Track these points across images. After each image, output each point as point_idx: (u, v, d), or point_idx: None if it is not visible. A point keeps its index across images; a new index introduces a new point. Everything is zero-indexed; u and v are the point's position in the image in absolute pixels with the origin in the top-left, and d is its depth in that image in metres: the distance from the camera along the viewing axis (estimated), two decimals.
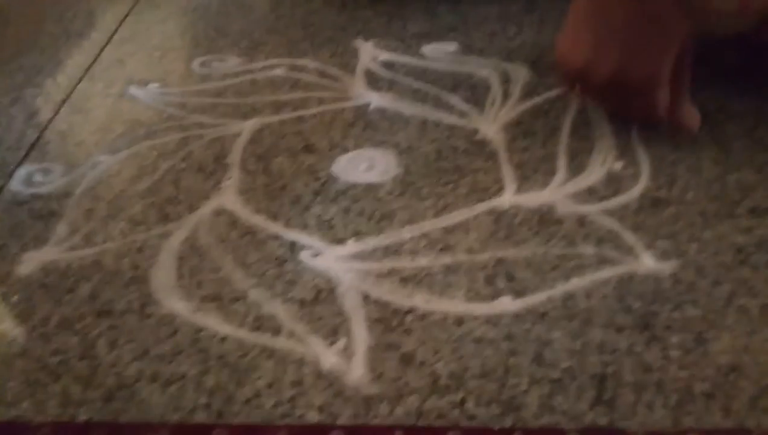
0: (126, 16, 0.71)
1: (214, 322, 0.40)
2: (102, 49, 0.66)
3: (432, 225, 0.44)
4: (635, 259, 0.41)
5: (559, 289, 0.40)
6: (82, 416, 0.36)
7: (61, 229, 0.47)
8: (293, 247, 0.44)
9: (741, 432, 0.33)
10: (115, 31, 0.69)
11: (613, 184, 0.46)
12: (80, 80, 0.62)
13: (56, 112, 0.58)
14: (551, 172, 0.47)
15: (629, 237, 0.42)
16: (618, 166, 0.47)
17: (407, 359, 0.37)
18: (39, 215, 0.48)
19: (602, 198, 0.45)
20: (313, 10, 0.69)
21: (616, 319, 0.38)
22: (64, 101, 0.59)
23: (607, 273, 0.40)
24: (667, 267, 0.40)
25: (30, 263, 0.44)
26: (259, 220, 0.46)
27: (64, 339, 0.40)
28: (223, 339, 0.39)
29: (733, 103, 0.51)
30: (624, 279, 0.40)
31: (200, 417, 0.35)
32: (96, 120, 0.57)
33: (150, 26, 0.69)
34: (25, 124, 0.57)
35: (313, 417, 0.35)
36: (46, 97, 0.60)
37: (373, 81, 0.58)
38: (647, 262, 0.41)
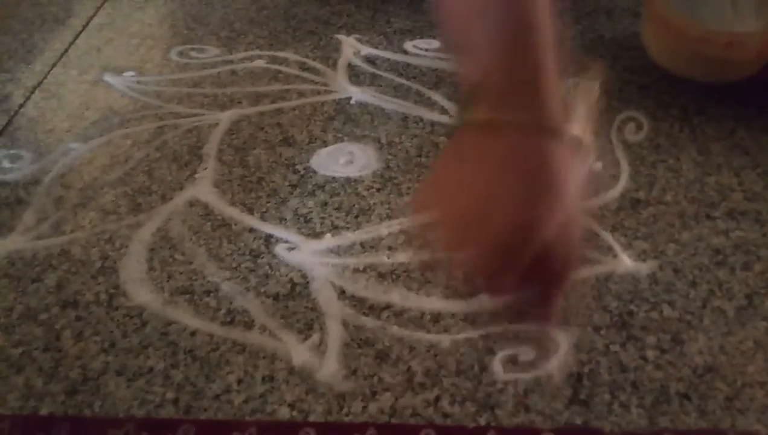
0: (104, 2, 0.70)
1: (185, 316, 0.39)
2: (78, 36, 0.64)
3: (411, 221, 0.44)
4: (614, 258, 0.41)
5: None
6: (45, 409, 0.34)
7: (28, 217, 0.45)
8: (269, 241, 0.43)
9: (716, 433, 0.32)
10: (93, 17, 0.67)
11: (593, 184, 0.46)
12: (54, 66, 0.60)
13: (27, 98, 0.56)
14: None
15: (608, 237, 0.42)
16: (598, 166, 0.47)
17: (382, 356, 0.36)
18: (5, 203, 0.46)
19: (582, 198, 0.45)
20: (296, 2, 0.68)
21: (594, 319, 0.38)
22: (36, 87, 0.58)
23: (585, 272, 0.40)
24: (645, 267, 0.40)
25: None
26: (234, 213, 0.45)
27: (27, 330, 0.38)
28: (193, 333, 0.38)
29: (712, 106, 0.51)
30: (602, 278, 0.40)
31: (167, 412, 0.34)
32: (69, 107, 0.55)
33: (128, 13, 0.68)
34: None
35: (284, 413, 0.34)
36: (17, 82, 0.58)
37: (355, 75, 0.57)
38: (625, 262, 0.40)
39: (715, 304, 0.38)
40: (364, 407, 0.34)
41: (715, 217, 0.43)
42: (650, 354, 0.36)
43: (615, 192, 0.45)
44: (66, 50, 0.62)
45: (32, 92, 0.57)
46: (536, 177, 0.31)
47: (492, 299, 0.34)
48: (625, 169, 0.47)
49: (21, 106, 0.56)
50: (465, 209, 0.32)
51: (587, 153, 0.33)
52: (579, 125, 0.33)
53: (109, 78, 0.58)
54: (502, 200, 0.31)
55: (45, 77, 0.59)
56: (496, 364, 0.35)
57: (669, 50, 0.51)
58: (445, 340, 0.37)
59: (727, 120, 0.50)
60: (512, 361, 0.35)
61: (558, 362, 0.36)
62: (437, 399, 0.34)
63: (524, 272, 0.31)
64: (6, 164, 0.50)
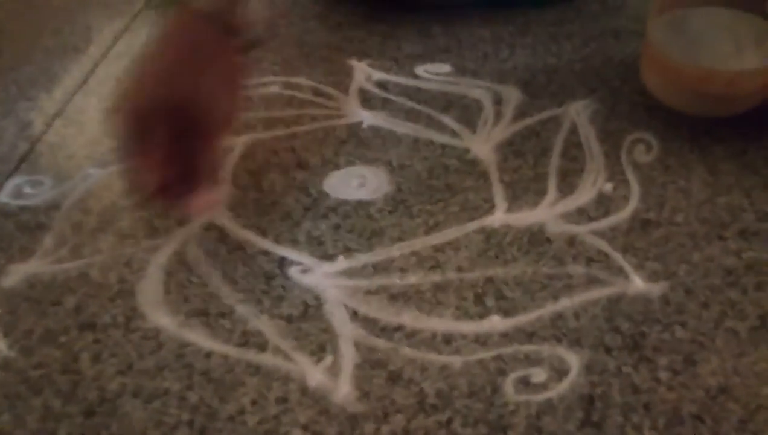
0: (123, 31, 0.72)
1: (200, 338, 0.39)
2: (97, 64, 0.66)
3: (422, 243, 0.44)
4: (625, 279, 0.41)
5: (549, 308, 0.39)
6: (63, 431, 0.35)
7: (48, 241, 0.46)
8: (282, 263, 0.44)
9: None
10: (112, 46, 0.69)
11: (604, 205, 0.46)
12: (74, 94, 0.62)
13: (49, 126, 0.58)
14: (542, 192, 0.48)
15: (619, 258, 0.42)
16: (608, 187, 0.47)
17: (394, 377, 0.36)
18: (26, 227, 0.48)
19: (592, 218, 0.45)
20: (308, 29, 0.69)
21: (605, 340, 0.38)
22: (57, 115, 0.59)
23: (596, 293, 0.40)
24: (657, 288, 0.40)
25: (15, 275, 0.44)
26: (248, 236, 0.46)
27: (46, 352, 0.39)
28: (209, 354, 0.38)
29: (722, 127, 0.51)
30: (613, 300, 0.40)
31: (183, 433, 0.34)
32: (88, 133, 0.57)
33: (146, 42, 0.70)
34: (17, 136, 0.57)
35: None
36: (39, 110, 0.60)
37: (367, 100, 0.58)
38: (637, 283, 0.41)
39: (727, 325, 0.38)
40: (377, 429, 0.34)
41: (727, 238, 0.43)
42: (663, 375, 0.36)
43: (625, 213, 0.45)
44: (86, 79, 0.64)
45: (53, 120, 0.59)
46: (189, 57, 0.41)
47: (143, 170, 0.41)
48: (635, 190, 0.47)
49: (42, 133, 0.57)
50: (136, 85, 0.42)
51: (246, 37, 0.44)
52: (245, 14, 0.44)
53: None
54: (158, 74, 0.41)
55: (66, 105, 0.61)
56: (508, 386, 0.36)
57: (670, 89, 0.51)
58: (456, 361, 0.37)
59: (737, 140, 0.51)
60: (524, 383, 0.36)
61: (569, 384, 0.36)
62: (449, 421, 0.34)
63: (172, 142, 0.40)
64: (28, 190, 0.51)
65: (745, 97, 0.49)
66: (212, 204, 0.43)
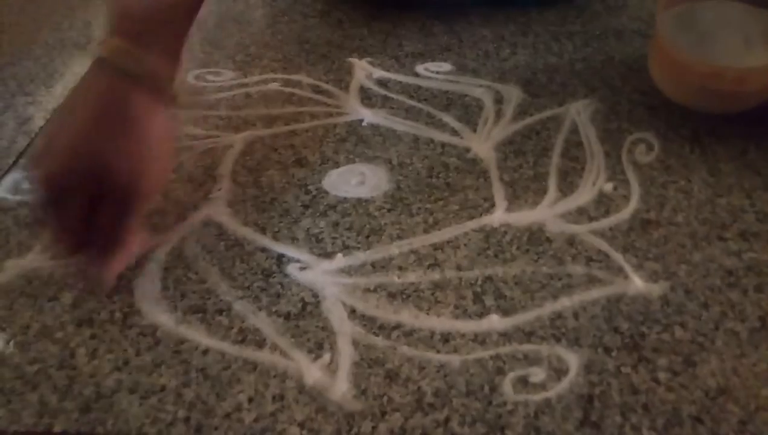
0: None
1: (197, 334, 0.39)
2: None
3: (421, 241, 0.44)
4: (625, 279, 0.41)
5: (548, 308, 0.39)
6: (58, 427, 0.35)
7: (46, 236, 0.46)
8: (281, 260, 0.43)
9: None
10: None
11: (604, 204, 0.46)
12: None
13: (48, 121, 0.58)
14: (542, 192, 0.47)
15: (619, 258, 0.42)
16: (609, 187, 0.47)
17: (392, 376, 0.36)
18: (24, 223, 0.47)
19: (592, 218, 0.45)
20: (309, 26, 0.69)
21: (605, 340, 0.37)
22: (56, 110, 0.59)
23: (596, 293, 0.40)
24: (657, 288, 0.40)
25: (12, 271, 0.44)
26: (247, 232, 0.46)
27: (43, 347, 0.39)
28: (206, 351, 0.38)
29: (723, 127, 0.51)
30: (613, 299, 0.40)
31: (179, 430, 0.34)
32: None
33: None
34: (16, 131, 0.57)
35: (294, 432, 0.34)
36: (38, 105, 0.60)
37: (367, 98, 0.58)
38: (637, 283, 0.40)
39: (727, 326, 0.38)
40: (374, 427, 0.34)
41: (727, 239, 0.43)
42: (662, 376, 0.35)
43: (626, 213, 0.45)
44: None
45: (52, 115, 0.59)
46: (113, 119, 0.38)
47: (57, 235, 0.40)
48: (635, 190, 0.47)
49: (41, 128, 0.57)
50: (54, 143, 0.39)
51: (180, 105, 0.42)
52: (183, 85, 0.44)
53: None
54: (77, 136, 0.38)
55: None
56: (507, 385, 0.35)
57: (677, 85, 0.51)
58: (455, 360, 0.37)
59: (738, 141, 0.50)
60: (522, 382, 0.35)
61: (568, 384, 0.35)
62: (447, 420, 0.34)
63: (86, 209, 0.38)
64: (26, 185, 0.51)
65: (754, 94, 0.48)
66: (126, 262, 0.42)
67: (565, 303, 0.39)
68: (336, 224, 0.46)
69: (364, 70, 0.61)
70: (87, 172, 0.38)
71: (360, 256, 0.43)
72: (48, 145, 0.40)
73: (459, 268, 0.42)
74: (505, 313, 0.39)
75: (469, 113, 0.55)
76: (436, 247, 0.44)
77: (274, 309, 0.40)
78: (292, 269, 0.43)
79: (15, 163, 0.53)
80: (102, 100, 0.39)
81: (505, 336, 0.38)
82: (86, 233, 0.39)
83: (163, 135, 0.40)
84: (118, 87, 0.39)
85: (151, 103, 0.39)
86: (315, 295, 0.41)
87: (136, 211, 0.40)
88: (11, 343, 0.39)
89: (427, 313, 0.39)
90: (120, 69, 0.39)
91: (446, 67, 0.61)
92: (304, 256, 0.44)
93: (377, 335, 0.38)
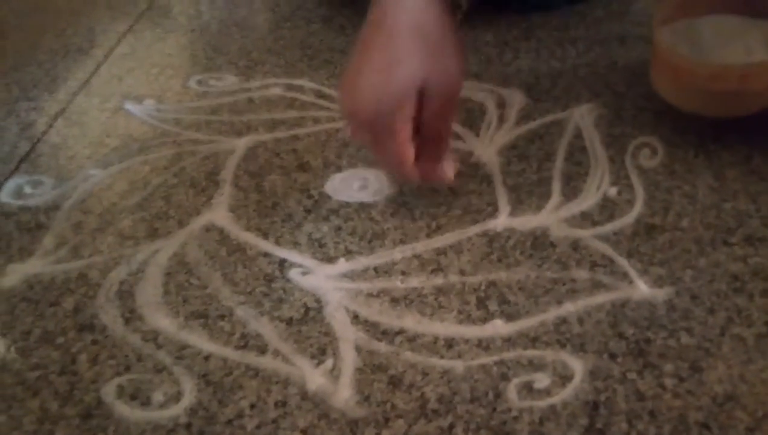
0: (126, 33, 0.72)
1: (199, 340, 0.39)
2: (100, 65, 0.66)
3: (424, 246, 0.44)
4: (629, 285, 0.40)
5: (552, 313, 0.39)
6: (59, 433, 0.35)
7: (47, 241, 0.46)
8: (283, 265, 0.43)
9: None
10: (115, 47, 0.69)
11: (608, 209, 0.46)
12: (76, 94, 0.62)
13: (50, 126, 0.58)
14: (546, 196, 0.47)
15: (624, 263, 0.42)
16: (613, 191, 0.47)
17: (395, 382, 0.36)
18: (26, 228, 0.47)
19: (596, 223, 0.45)
20: (312, 32, 0.69)
21: (610, 346, 0.37)
22: (59, 115, 0.59)
23: (600, 298, 0.40)
24: (662, 294, 0.40)
25: (14, 276, 0.44)
26: (249, 237, 0.45)
27: (44, 353, 0.39)
28: (207, 357, 0.38)
29: (728, 132, 0.51)
30: (618, 305, 0.39)
31: None
32: (90, 134, 0.57)
33: (150, 43, 0.70)
34: (18, 136, 0.57)
35: None
36: (40, 110, 0.60)
37: None
38: (641, 289, 0.40)
39: (734, 332, 0.37)
40: (377, 434, 0.34)
41: (733, 244, 0.43)
42: (668, 382, 0.35)
43: (630, 218, 0.45)
44: (88, 79, 0.64)
45: (55, 120, 0.59)
46: (426, 35, 0.41)
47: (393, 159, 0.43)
48: (640, 194, 0.47)
49: (44, 133, 0.57)
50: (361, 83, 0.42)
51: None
52: None
53: (129, 106, 0.60)
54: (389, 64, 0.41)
55: (68, 105, 0.60)
56: (511, 391, 0.35)
57: (681, 91, 0.51)
58: (458, 366, 0.36)
59: (743, 146, 0.50)
60: (527, 388, 0.35)
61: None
62: (451, 426, 0.34)
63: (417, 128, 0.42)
64: (28, 190, 0.51)
65: (758, 95, 0.48)
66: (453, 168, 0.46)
67: (569, 308, 0.39)
68: (338, 229, 0.46)
69: None
70: (406, 92, 0.41)
71: (363, 261, 0.43)
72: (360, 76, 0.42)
73: (462, 273, 0.42)
74: (509, 318, 0.39)
75: (472, 118, 0.55)
76: (440, 251, 0.43)
77: (276, 314, 0.40)
78: (294, 274, 0.42)
79: (17, 167, 0.53)
80: (415, 20, 0.42)
81: (510, 341, 0.38)
82: (414, 146, 0.43)
83: (457, 40, 0.43)
84: (428, 8, 0.42)
85: (449, 16, 0.43)
86: (317, 301, 0.41)
87: (456, 109, 0.44)
88: (12, 349, 0.39)
89: (431, 319, 0.39)
90: None
91: None
92: (306, 260, 0.43)
93: (380, 341, 0.38)
